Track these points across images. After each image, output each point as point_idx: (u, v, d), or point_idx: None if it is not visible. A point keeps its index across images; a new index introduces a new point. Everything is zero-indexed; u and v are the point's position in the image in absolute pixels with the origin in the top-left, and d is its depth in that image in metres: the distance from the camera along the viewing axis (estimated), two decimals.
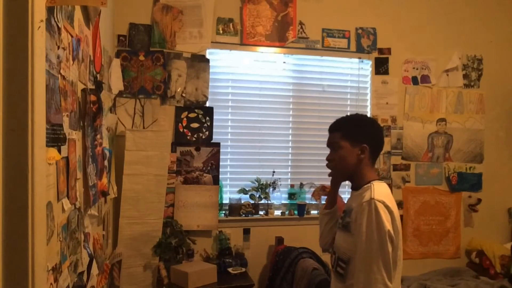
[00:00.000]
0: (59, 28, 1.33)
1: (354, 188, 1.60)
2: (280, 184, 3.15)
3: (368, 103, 3.34)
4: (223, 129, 3.10)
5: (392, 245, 1.40)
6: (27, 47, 1.03)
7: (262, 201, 3.09)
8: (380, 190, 1.46)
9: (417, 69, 3.39)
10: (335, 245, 1.64)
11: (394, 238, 1.40)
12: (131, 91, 2.84)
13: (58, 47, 1.32)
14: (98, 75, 2.06)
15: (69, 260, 1.46)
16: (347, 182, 1.66)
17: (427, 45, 3.40)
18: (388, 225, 1.38)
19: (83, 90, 1.69)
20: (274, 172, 3.13)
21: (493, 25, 3.53)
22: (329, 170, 1.65)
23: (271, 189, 3.10)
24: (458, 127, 3.48)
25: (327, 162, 1.63)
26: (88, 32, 1.81)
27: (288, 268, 2.67)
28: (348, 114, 1.70)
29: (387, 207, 1.41)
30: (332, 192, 1.79)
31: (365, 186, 1.52)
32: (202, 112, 2.97)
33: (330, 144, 1.62)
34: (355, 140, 1.55)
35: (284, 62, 3.20)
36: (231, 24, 3.03)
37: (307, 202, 3.17)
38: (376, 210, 1.39)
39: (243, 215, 3.04)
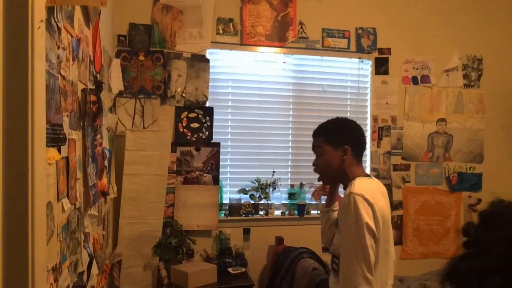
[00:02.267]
0: (59, 28, 1.33)
1: (344, 187, 1.65)
2: (280, 184, 3.15)
3: (368, 103, 3.34)
4: (223, 129, 3.10)
5: (374, 238, 1.41)
6: (27, 47, 1.03)
7: (262, 201, 3.09)
8: (361, 185, 1.50)
9: (417, 69, 3.39)
10: (332, 242, 1.69)
11: (375, 231, 1.42)
12: (131, 91, 2.84)
13: (58, 47, 1.32)
14: (98, 75, 2.06)
15: (69, 260, 1.46)
16: None
17: (427, 45, 3.41)
18: (366, 218, 1.41)
19: (83, 90, 1.69)
20: (274, 172, 3.13)
21: (493, 25, 3.53)
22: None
23: (271, 189, 3.10)
24: (458, 127, 3.48)
25: (314, 167, 1.71)
26: (88, 32, 1.81)
27: (288, 268, 2.67)
28: (326, 120, 1.76)
29: (366, 200, 1.43)
30: (331, 191, 1.83)
31: (350, 183, 1.56)
32: (202, 112, 2.97)
33: (313, 148, 1.71)
34: (337, 143, 1.62)
35: (284, 62, 3.20)
36: (231, 24, 3.03)
37: (307, 202, 3.17)
38: (355, 204, 1.42)
39: (243, 215, 3.04)
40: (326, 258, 2.78)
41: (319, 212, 3.16)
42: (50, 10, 1.23)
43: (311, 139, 3.48)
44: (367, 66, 3.33)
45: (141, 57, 2.86)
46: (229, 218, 3.03)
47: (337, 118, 1.77)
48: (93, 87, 1.90)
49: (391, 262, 1.53)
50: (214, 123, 2.99)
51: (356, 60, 3.30)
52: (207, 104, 3.01)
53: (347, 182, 1.60)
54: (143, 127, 2.84)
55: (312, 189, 3.19)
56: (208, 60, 2.98)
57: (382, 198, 1.52)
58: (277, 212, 3.15)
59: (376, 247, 1.44)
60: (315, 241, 3.11)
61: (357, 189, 1.46)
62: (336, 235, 1.64)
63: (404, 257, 3.35)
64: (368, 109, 3.34)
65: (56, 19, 1.30)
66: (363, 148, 1.69)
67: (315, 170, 1.71)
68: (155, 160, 2.69)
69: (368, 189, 1.49)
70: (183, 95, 2.94)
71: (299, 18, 3.14)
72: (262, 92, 3.18)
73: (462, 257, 0.70)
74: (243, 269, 2.81)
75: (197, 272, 2.56)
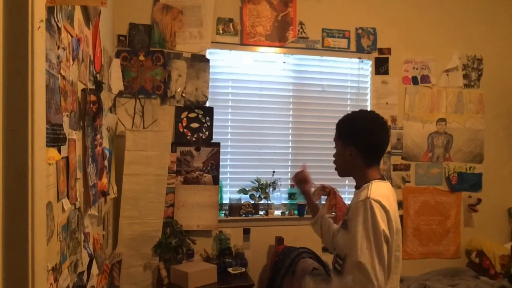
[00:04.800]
0: (59, 28, 1.33)
1: (356, 187, 1.61)
2: (280, 184, 3.15)
3: (368, 103, 3.34)
4: (223, 129, 3.10)
5: (387, 245, 1.40)
6: (27, 47, 1.03)
7: (262, 201, 3.09)
8: (378, 190, 1.46)
9: (417, 69, 3.39)
10: (335, 242, 1.66)
11: (389, 238, 1.40)
12: (131, 91, 2.84)
13: (58, 47, 1.32)
14: (98, 75, 2.06)
15: (69, 260, 1.46)
16: (347, 182, 1.69)
17: (427, 45, 3.40)
18: (383, 225, 1.39)
19: (83, 90, 1.69)
20: (274, 172, 3.13)
21: (493, 25, 3.53)
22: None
23: (271, 189, 3.09)
24: (458, 127, 3.48)
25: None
26: (88, 32, 1.81)
27: (288, 268, 2.67)
28: (352, 111, 1.69)
29: (383, 206, 1.41)
30: (308, 201, 1.85)
31: (364, 185, 1.52)
32: (202, 112, 2.97)
33: (334, 140, 1.68)
34: (345, 142, 1.59)
35: (284, 62, 3.20)
36: (231, 24, 3.03)
37: None
38: (372, 210, 1.39)
39: (243, 215, 3.04)
40: (326, 258, 2.78)
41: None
42: (50, 10, 1.23)
43: (311, 139, 3.50)
44: (367, 66, 3.32)
45: (141, 57, 2.86)
46: (229, 218, 3.02)
47: (355, 113, 1.66)
48: (93, 87, 1.90)
49: (400, 270, 1.51)
50: (214, 123, 2.99)
51: (356, 60, 3.30)
52: (207, 104, 3.01)
53: (359, 182, 1.57)
54: (143, 127, 2.84)
55: (312, 189, 3.18)
56: (208, 60, 2.98)
57: (394, 203, 1.50)
58: (277, 212, 3.15)
59: (388, 255, 1.42)
60: (315, 241, 3.10)
61: (374, 194, 1.42)
62: (340, 235, 1.60)
63: (404, 257, 3.29)
64: (368, 109, 3.33)
65: (56, 19, 1.30)
66: (376, 150, 1.59)
67: (334, 161, 1.70)
68: (155, 160, 2.69)
69: (385, 195, 1.46)
70: (183, 95, 2.94)
71: (299, 18, 3.14)
72: (262, 92, 3.17)
73: None
74: (243, 269, 2.81)
75: (197, 272, 2.56)
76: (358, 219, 1.42)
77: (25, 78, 1.03)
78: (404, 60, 3.37)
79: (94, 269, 1.81)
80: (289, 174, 3.24)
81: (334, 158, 1.68)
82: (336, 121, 1.68)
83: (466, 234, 3.49)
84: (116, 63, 2.65)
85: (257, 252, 3.06)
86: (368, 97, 3.34)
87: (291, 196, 3.18)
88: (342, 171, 1.67)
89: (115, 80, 2.57)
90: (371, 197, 1.42)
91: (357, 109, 1.75)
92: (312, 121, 3.26)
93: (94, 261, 1.80)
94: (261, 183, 3.07)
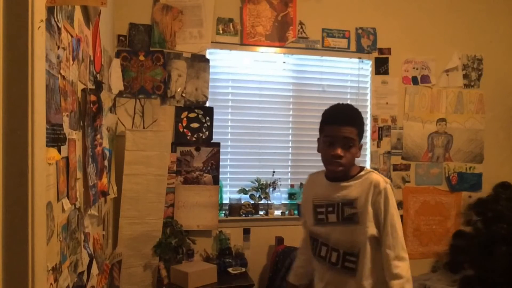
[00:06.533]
0: (59, 28, 1.33)
1: (341, 179, 1.58)
2: (280, 184, 3.15)
3: (368, 103, 3.34)
4: (223, 129, 3.10)
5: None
6: (27, 47, 1.03)
7: (262, 201, 3.09)
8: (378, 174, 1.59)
9: (417, 69, 3.39)
10: (333, 243, 1.57)
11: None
12: (131, 91, 2.84)
13: (58, 47, 1.32)
14: (98, 75, 2.06)
15: (69, 260, 1.46)
16: None
17: (427, 45, 3.40)
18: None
19: (83, 90, 1.69)
20: (274, 172, 3.13)
21: (493, 25, 3.53)
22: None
23: (271, 189, 3.09)
24: (458, 127, 3.48)
25: (339, 156, 1.50)
26: (88, 32, 1.81)
27: (288, 268, 2.67)
28: (338, 103, 1.75)
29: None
30: None
31: (361, 173, 1.57)
32: (202, 112, 2.97)
33: (346, 138, 1.51)
34: (361, 138, 1.61)
35: (284, 62, 3.20)
36: (231, 24, 3.03)
37: None
38: (391, 193, 1.54)
39: (243, 215, 3.04)
40: None
41: None
42: (50, 10, 1.23)
43: (311, 139, 3.47)
44: (367, 66, 3.32)
45: (141, 57, 2.86)
46: (229, 218, 3.02)
47: (350, 105, 1.71)
48: (93, 87, 1.90)
49: None
50: (214, 123, 2.99)
51: (356, 60, 3.30)
52: (207, 104, 3.01)
53: (347, 174, 1.59)
54: (143, 127, 2.84)
55: None
56: (208, 60, 2.98)
57: None
58: (277, 212, 3.15)
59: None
60: None
61: (383, 179, 1.54)
62: (343, 233, 1.54)
63: None
64: (368, 109, 3.33)
65: (56, 19, 1.30)
66: None
67: (339, 159, 1.51)
68: (155, 160, 2.69)
69: None
70: (183, 95, 2.94)
71: (299, 18, 3.14)
72: (262, 92, 3.17)
73: None
74: (243, 269, 2.81)
75: (197, 272, 2.56)
76: (388, 203, 1.52)
77: (25, 78, 1.03)
78: (404, 60, 3.37)
79: (94, 269, 1.81)
80: (289, 174, 3.24)
81: (341, 156, 1.52)
82: None
83: None
84: (116, 63, 2.66)
85: (257, 252, 3.06)
86: (368, 97, 3.34)
87: (291, 196, 3.17)
88: (348, 168, 1.58)
89: (115, 80, 2.57)
90: (387, 181, 1.55)
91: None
92: (312, 121, 3.24)
93: (94, 261, 1.80)
94: (261, 183, 3.07)
